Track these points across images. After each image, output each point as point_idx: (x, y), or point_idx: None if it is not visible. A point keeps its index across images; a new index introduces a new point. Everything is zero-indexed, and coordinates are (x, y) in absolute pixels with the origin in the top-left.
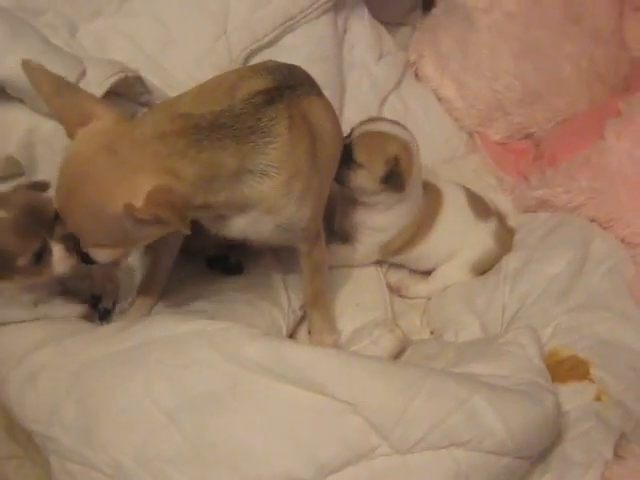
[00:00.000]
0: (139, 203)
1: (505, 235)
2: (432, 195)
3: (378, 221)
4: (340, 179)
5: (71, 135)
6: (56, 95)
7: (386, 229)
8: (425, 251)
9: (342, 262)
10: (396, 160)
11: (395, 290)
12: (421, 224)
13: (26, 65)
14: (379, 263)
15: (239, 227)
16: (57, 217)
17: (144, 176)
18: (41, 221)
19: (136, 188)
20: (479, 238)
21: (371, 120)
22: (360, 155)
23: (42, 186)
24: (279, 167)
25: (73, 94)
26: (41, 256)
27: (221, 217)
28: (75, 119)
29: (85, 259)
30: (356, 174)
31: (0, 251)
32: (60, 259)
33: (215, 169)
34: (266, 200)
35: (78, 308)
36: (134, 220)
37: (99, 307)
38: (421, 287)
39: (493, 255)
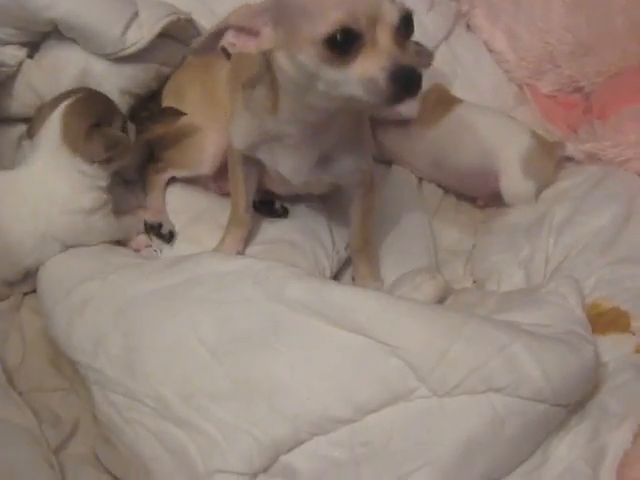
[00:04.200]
0: None
1: (545, 143)
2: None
3: None
4: None
5: None
6: None
7: None
8: (459, 126)
9: None
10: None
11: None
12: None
13: None
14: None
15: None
16: None
17: None
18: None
19: None
20: (514, 138)
21: None
22: None
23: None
24: None
25: None
26: (124, 126)
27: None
28: None
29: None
30: None
31: (99, 113)
32: (131, 127)
33: None
34: None
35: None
36: None
37: (163, 232)
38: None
39: (538, 144)
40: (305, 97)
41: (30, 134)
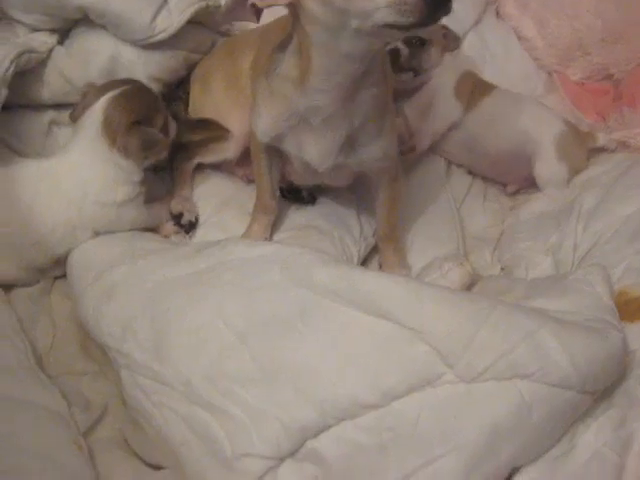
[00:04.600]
0: None
1: (578, 131)
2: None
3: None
4: (417, 67)
5: None
6: None
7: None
8: (494, 112)
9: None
10: (443, 25)
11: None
12: (480, 82)
13: None
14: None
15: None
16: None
17: None
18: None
19: None
20: (547, 122)
21: None
22: (424, 33)
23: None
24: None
25: None
26: (166, 124)
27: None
28: None
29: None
30: (428, 52)
31: (142, 111)
32: (173, 126)
33: None
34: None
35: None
36: None
37: (183, 222)
38: (537, 201)
39: (570, 131)
40: (338, 42)
41: (73, 118)
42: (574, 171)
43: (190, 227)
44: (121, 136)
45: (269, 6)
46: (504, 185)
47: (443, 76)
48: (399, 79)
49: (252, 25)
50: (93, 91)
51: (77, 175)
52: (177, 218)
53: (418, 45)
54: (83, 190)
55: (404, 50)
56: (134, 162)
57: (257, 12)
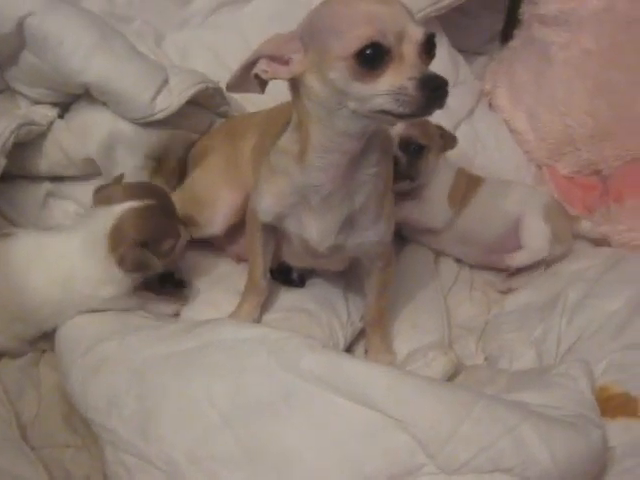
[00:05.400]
0: None
1: (564, 209)
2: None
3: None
4: (414, 176)
5: None
6: None
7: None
8: (485, 203)
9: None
10: (439, 126)
11: (504, 282)
12: (470, 179)
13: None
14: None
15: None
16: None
17: None
18: (175, 212)
19: None
20: (535, 195)
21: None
22: (422, 139)
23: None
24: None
25: None
26: (175, 245)
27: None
28: None
29: None
30: (426, 159)
31: (153, 233)
32: (181, 247)
33: None
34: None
35: (172, 306)
36: None
37: (176, 278)
38: (519, 254)
39: (557, 205)
40: (335, 120)
41: (95, 199)
42: (557, 240)
43: (182, 285)
44: (123, 248)
45: (272, 79)
46: (498, 270)
47: (439, 180)
48: (395, 187)
49: (250, 108)
50: (123, 189)
51: (69, 259)
52: (165, 276)
53: (416, 152)
54: (70, 275)
55: (402, 158)
56: (124, 273)
57: (262, 83)
